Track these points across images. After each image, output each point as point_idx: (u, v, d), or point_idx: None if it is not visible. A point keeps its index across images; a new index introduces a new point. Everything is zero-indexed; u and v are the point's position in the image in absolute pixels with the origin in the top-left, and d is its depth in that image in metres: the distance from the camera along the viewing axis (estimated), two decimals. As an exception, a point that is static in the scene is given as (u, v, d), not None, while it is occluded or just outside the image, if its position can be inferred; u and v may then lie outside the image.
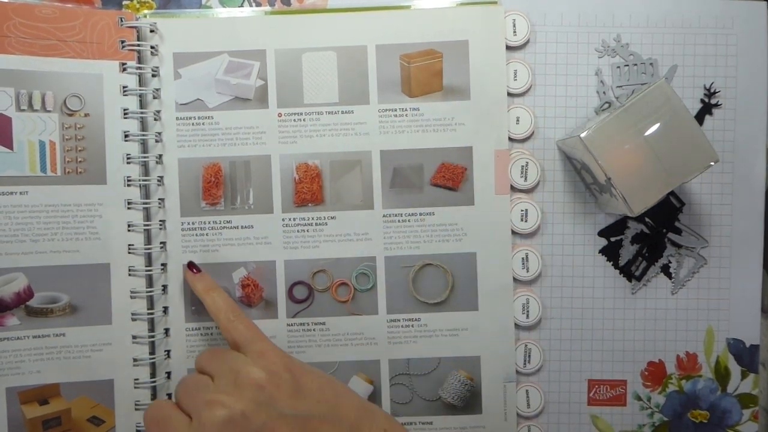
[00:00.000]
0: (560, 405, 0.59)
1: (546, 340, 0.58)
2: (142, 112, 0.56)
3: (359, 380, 0.57)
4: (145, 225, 0.56)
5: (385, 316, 0.58)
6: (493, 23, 0.57)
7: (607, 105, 0.58)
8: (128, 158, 0.56)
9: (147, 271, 0.56)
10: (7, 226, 0.54)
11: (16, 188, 0.54)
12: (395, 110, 0.57)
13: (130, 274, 0.56)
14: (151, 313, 0.56)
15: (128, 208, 0.56)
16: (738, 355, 0.59)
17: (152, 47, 0.56)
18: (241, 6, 0.58)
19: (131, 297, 0.56)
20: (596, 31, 0.58)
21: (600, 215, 0.59)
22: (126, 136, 0.56)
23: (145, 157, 0.56)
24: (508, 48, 0.58)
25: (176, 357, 0.57)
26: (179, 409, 0.48)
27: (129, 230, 0.56)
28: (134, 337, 0.56)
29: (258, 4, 0.58)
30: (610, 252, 0.59)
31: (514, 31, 0.58)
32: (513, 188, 0.58)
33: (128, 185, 0.56)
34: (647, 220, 0.59)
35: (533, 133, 0.58)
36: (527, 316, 0.58)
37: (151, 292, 0.56)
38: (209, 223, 0.57)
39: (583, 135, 0.51)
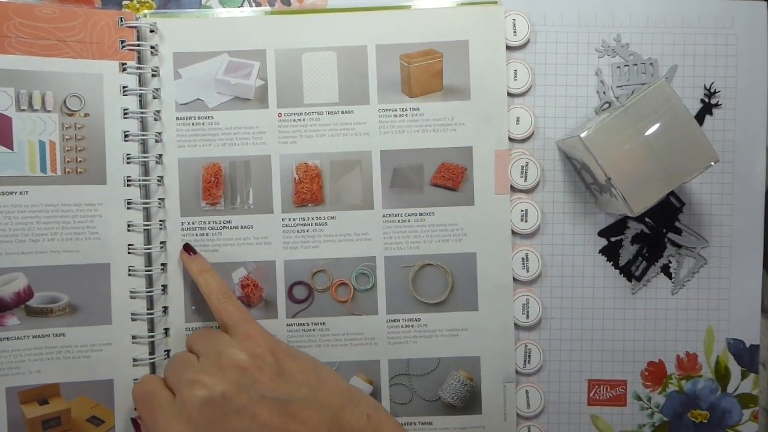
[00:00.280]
0: (560, 405, 0.59)
1: (546, 340, 0.58)
2: (142, 112, 0.56)
3: (359, 380, 0.57)
4: (145, 225, 0.56)
5: (385, 316, 0.58)
6: (493, 23, 0.57)
7: (607, 105, 0.58)
8: (128, 158, 0.56)
9: (147, 271, 0.56)
10: (7, 226, 0.54)
11: (16, 188, 0.54)
12: (395, 110, 0.57)
13: (129, 274, 0.56)
14: (151, 313, 0.56)
15: (128, 208, 0.56)
16: (738, 355, 0.59)
17: (152, 47, 0.56)
18: (241, 6, 0.58)
19: (131, 297, 0.56)
20: (596, 31, 0.58)
21: (600, 215, 0.59)
22: (126, 136, 0.56)
23: (145, 157, 0.56)
24: (508, 48, 0.57)
25: (176, 357, 0.57)
26: (165, 385, 0.50)
27: (129, 230, 0.56)
28: (134, 337, 0.56)
29: (258, 4, 0.58)
30: (610, 252, 0.59)
31: (515, 31, 0.58)
32: (513, 188, 0.58)
33: (128, 185, 0.56)
34: (647, 220, 0.59)
35: (533, 133, 0.58)
36: (527, 317, 0.58)
37: (150, 292, 0.56)
38: (209, 223, 0.57)
39: (583, 135, 0.51)
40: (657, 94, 0.51)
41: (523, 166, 0.58)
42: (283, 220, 0.57)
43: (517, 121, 0.58)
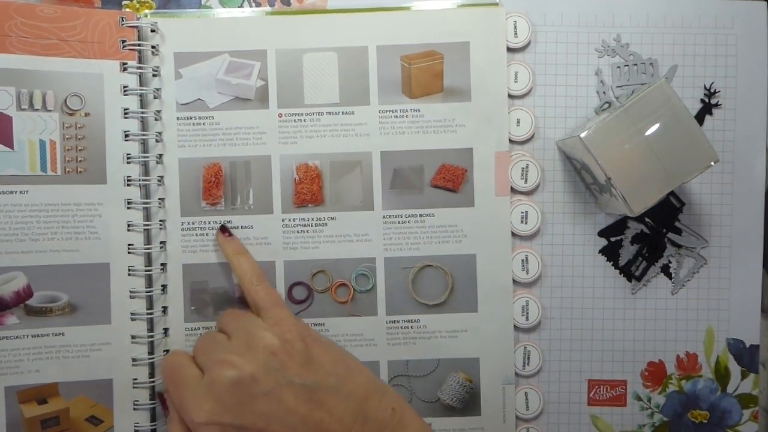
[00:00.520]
0: (560, 405, 0.59)
1: (546, 340, 0.58)
2: (142, 112, 0.56)
3: (359, 381, 0.57)
4: (145, 225, 0.56)
5: (385, 317, 0.57)
6: (494, 25, 0.57)
7: (607, 105, 0.58)
8: (128, 158, 0.56)
9: (146, 270, 0.56)
10: (7, 225, 0.54)
11: (16, 187, 0.54)
12: (396, 111, 0.57)
13: (129, 274, 0.56)
14: (151, 313, 0.56)
15: (128, 208, 0.56)
16: (738, 355, 0.59)
17: (153, 47, 0.56)
18: (241, 6, 0.58)
19: (130, 297, 0.56)
20: (596, 31, 0.58)
21: (600, 215, 0.59)
22: (126, 135, 0.56)
23: (145, 157, 0.56)
24: (509, 50, 0.58)
25: (175, 357, 0.57)
26: (194, 362, 0.50)
27: (129, 230, 0.56)
28: (133, 337, 0.56)
29: (258, 5, 0.58)
30: (610, 252, 0.59)
31: (515, 33, 0.58)
32: (513, 190, 0.58)
33: (128, 185, 0.56)
34: (647, 220, 0.59)
35: (533, 134, 0.58)
36: (527, 318, 0.58)
37: (150, 291, 0.56)
38: (209, 223, 0.57)
39: (583, 135, 0.51)
40: (657, 94, 0.51)
41: (523, 168, 0.58)
42: (283, 220, 0.57)
43: (518, 122, 0.58)
